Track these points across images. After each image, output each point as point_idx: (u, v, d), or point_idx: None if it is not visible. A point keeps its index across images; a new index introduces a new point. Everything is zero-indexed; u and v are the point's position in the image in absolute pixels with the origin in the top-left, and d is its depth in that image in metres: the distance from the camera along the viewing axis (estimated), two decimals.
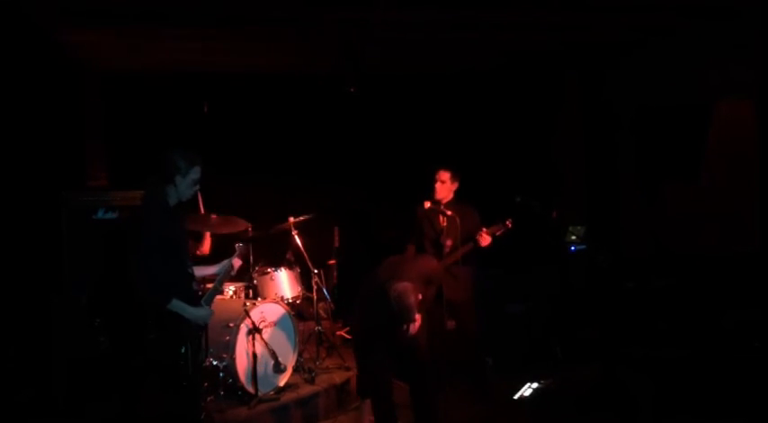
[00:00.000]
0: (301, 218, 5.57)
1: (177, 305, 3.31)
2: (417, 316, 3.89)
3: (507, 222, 4.91)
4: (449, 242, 4.91)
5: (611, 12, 5.19)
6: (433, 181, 5.00)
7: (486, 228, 4.89)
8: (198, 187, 3.52)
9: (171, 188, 3.43)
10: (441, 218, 4.97)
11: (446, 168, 4.99)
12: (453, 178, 4.99)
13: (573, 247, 6.12)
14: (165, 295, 3.29)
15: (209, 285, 3.83)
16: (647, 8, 5.14)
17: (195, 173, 3.46)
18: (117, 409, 4.28)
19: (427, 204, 4.91)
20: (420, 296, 3.94)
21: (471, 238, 4.89)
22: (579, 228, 6.20)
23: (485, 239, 4.87)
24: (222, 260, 3.85)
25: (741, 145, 5.40)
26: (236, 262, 3.85)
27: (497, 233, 4.89)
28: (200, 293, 3.62)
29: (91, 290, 4.57)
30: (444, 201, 4.99)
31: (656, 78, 6.17)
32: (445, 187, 4.97)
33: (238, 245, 3.96)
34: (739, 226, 5.40)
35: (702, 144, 5.76)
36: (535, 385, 5.05)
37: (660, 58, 6.09)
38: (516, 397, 4.98)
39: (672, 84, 5.98)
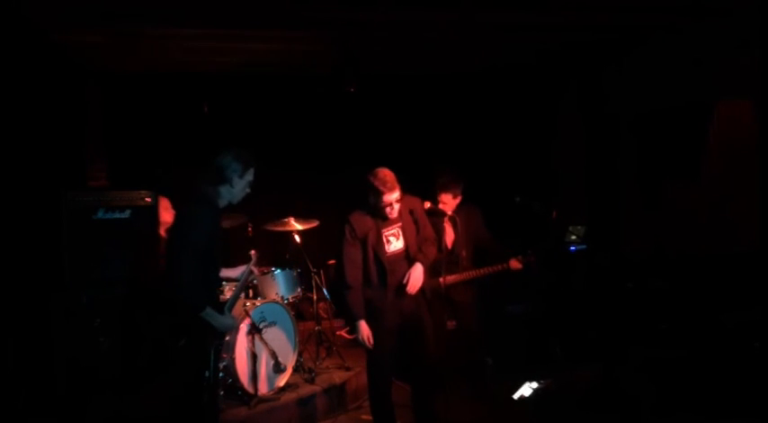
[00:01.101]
0: (304, 226, 5.58)
1: (209, 313, 3.26)
2: (397, 225, 4.08)
3: (532, 257, 4.96)
4: (463, 253, 4.91)
5: (611, 12, 5.19)
6: (438, 190, 4.95)
7: (524, 257, 4.93)
8: (249, 190, 3.48)
9: (225, 190, 3.39)
10: (442, 219, 4.97)
11: (446, 191, 4.92)
12: (455, 196, 4.96)
13: (573, 247, 6.12)
14: (200, 301, 3.24)
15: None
16: (647, 8, 5.14)
17: (250, 175, 3.44)
18: (124, 410, 4.27)
19: (427, 204, 4.90)
20: (399, 191, 4.02)
21: (495, 260, 4.98)
22: (579, 228, 6.19)
23: (515, 266, 4.93)
24: (235, 262, 3.85)
25: (741, 145, 5.40)
26: (255, 269, 3.87)
27: (530, 261, 4.94)
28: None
29: (89, 288, 4.56)
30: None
31: (656, 78, 6.17)
32: (449, 206, 4.94)
33: (254, 252, 3.97)
34: (739, 226, 5.40)
35: (702, 144, 5.76)
36: (535, 385, 5.05)
37: (660, 59, 6.09)
38: (516, 397, 4.98)
39: (672, 84, 5.98)
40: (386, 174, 4.02)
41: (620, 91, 6.62)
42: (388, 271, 4.06)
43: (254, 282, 5.28)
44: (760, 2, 4.86)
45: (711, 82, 5.59)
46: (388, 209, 4.02)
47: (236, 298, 3.71)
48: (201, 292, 3.24)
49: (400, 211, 4.11)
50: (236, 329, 4.54)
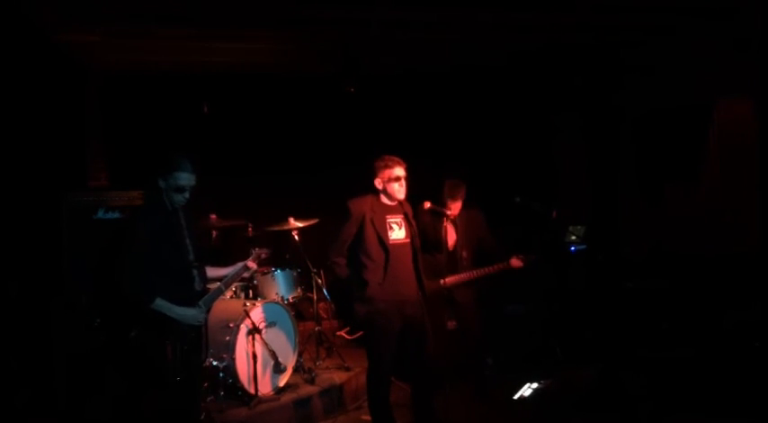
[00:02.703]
0: (304, 223, 5.55)
1: (161, 305, 3.28)
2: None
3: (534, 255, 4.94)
4: (464, 253, 4.89)
5: (611, 12, 5.19)
6: (446, 197, 4.89)
7: (525, 255, 4.90)
8: (187, 194, 3.41)
9: (163, 192, 3.41)
10: (442, 219, 4.96)
11: (454, 200, 4.88)
12: (461, 200, 4.93)
13: (573, 247, 6.12)
14: (147, 295, 3.27)
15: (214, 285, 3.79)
16: (647, 8, 5.14)
17: (176, 179, 3.37)
18: (113, 408, 4.27)
19: (427, 205, 4.88)
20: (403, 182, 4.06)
21: (495, 260, 4.94)
22: (579, 228, 6.19)
23: (516, 264, 4.90)
24: (236, 262, 3.84)
25: (741, 145, 5.41)
26: (251, 264, 3.84)
27: (531, 259, 4.92)
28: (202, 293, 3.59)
29: (89, 288, 4.56)
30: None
31: (657, 79, 6.18)
32: (455, 209, 4.91)
33: (255, 249, 3.94)
34: (739, 226, 5.40)
35: (702, 144, 5.76)
36: (535, 385, 5.05)
37: (661, 60, 6.10)
38: (516, 397, 4.98)
39: (672, 84, 5.99)
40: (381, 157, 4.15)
41: (622, 91, 6.63)
42: (390, 257, 4.04)
43: (255, 282, 5.27)
44: (760, 2, 4.87)
45: (711, 82, 5.60)
46: (397, 185, 4.06)
47: (218, 292, 3.66)
48: (148, 286, 3.28)
49: (401, 202, 4.12)
50: (235, 329, 4.54)
